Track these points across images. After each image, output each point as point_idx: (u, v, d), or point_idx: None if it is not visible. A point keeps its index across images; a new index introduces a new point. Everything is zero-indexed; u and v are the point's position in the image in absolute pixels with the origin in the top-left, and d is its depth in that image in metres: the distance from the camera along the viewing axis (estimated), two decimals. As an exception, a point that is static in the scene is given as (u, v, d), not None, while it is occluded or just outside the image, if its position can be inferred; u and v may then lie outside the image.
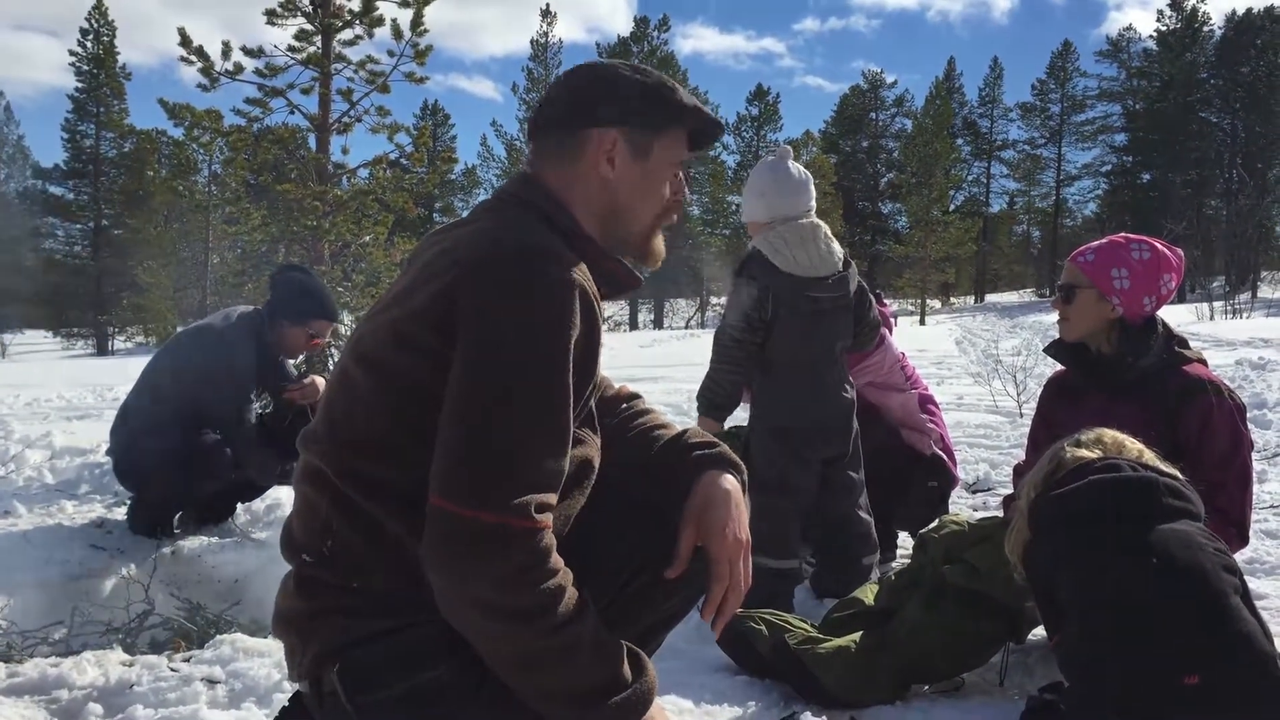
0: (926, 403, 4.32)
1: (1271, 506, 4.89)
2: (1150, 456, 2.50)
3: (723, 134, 2.19)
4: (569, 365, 1.69)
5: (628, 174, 1.93)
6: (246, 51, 8.35)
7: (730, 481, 1.97)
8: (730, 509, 1.92)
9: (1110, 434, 2.57)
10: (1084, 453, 2.49)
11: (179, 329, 5.22)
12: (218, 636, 3.29)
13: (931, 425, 4.25)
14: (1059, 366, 3.55)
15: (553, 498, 1.69)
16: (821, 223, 3.72)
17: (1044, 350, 3.48)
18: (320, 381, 5.15)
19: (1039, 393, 3.64)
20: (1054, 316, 3.42)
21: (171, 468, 4.62)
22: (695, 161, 62.07)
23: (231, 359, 4.82)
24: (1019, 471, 3.58)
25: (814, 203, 3.78)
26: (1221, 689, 2.06)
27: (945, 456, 4.24)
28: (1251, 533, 4.22)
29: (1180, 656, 2.08)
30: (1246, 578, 2.31)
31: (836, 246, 3.71)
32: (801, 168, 3.77)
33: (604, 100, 1.91)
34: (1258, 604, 2.28)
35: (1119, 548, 2.26)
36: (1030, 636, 2.97)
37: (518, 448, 1.63)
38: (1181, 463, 2.61)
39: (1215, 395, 3.03)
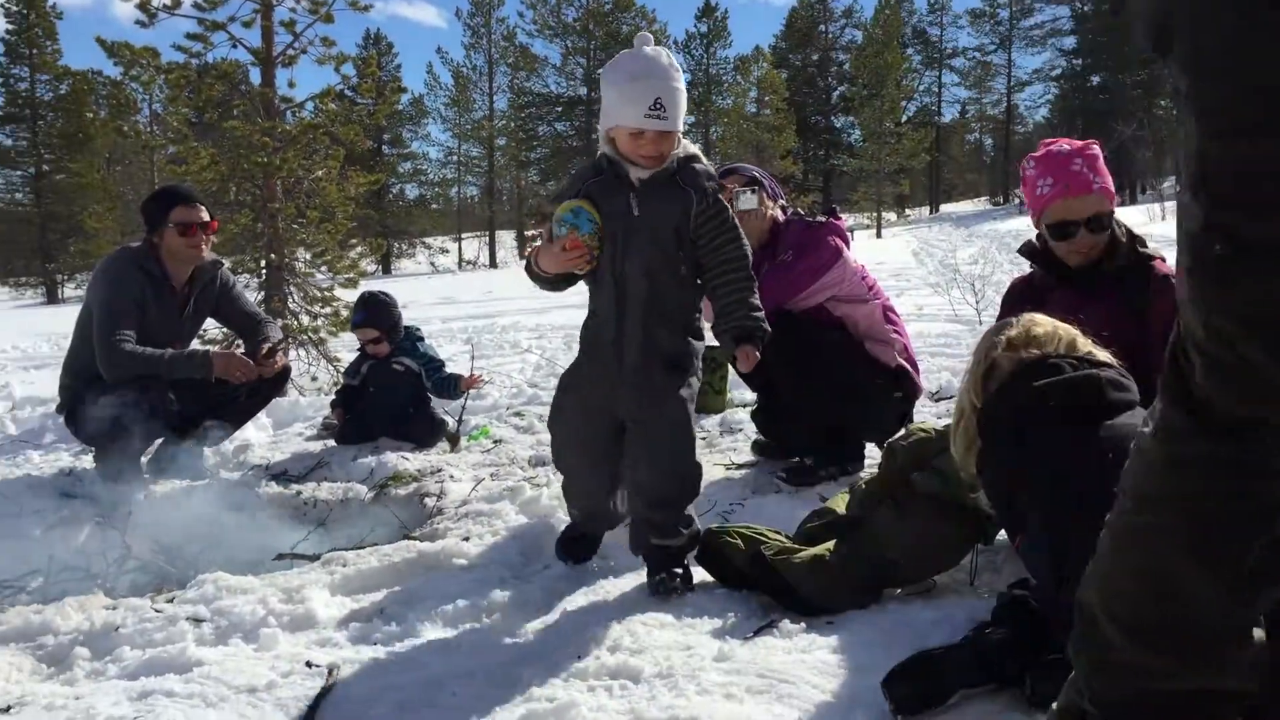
0: (889, 312, 4.37)
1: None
2: (1084, 343, 2.53)
3: None
4: None
5: None
6: (184, -15, 8.13)
7: None
8: None
9: (1040, 325, 2.58)
10: (1019, 354, 2.51)
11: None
12: (199, 576, 3.31)
13: (895, 335, 4.30)
14: (1017, 273, 3.61)
15: None
16: None
17: (1018, 251, 3.53)
18: (281, 358, 5.11)
19: (999, 301, 3.70)
20: (1009, 224, 3.47)
21: (116, 415, 4.58)
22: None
23: (103, 289, 4.78)
24: None
25: None
26: None
27: (909, 367, 4.30)
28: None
29: None
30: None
31: None
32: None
33: None
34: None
35: (1072, 449, 2.31)
36: (998, 538, 3.05)
37: None
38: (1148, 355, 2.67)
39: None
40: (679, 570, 2.99)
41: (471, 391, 5.56)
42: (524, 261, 3.21)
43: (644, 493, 3.07)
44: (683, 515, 3.08)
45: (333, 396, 5.90)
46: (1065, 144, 3.40)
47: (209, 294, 5.11)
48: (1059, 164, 3.33)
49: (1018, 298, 3.54)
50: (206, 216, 4.93)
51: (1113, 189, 3.37)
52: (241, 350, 5.29)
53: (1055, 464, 2.32)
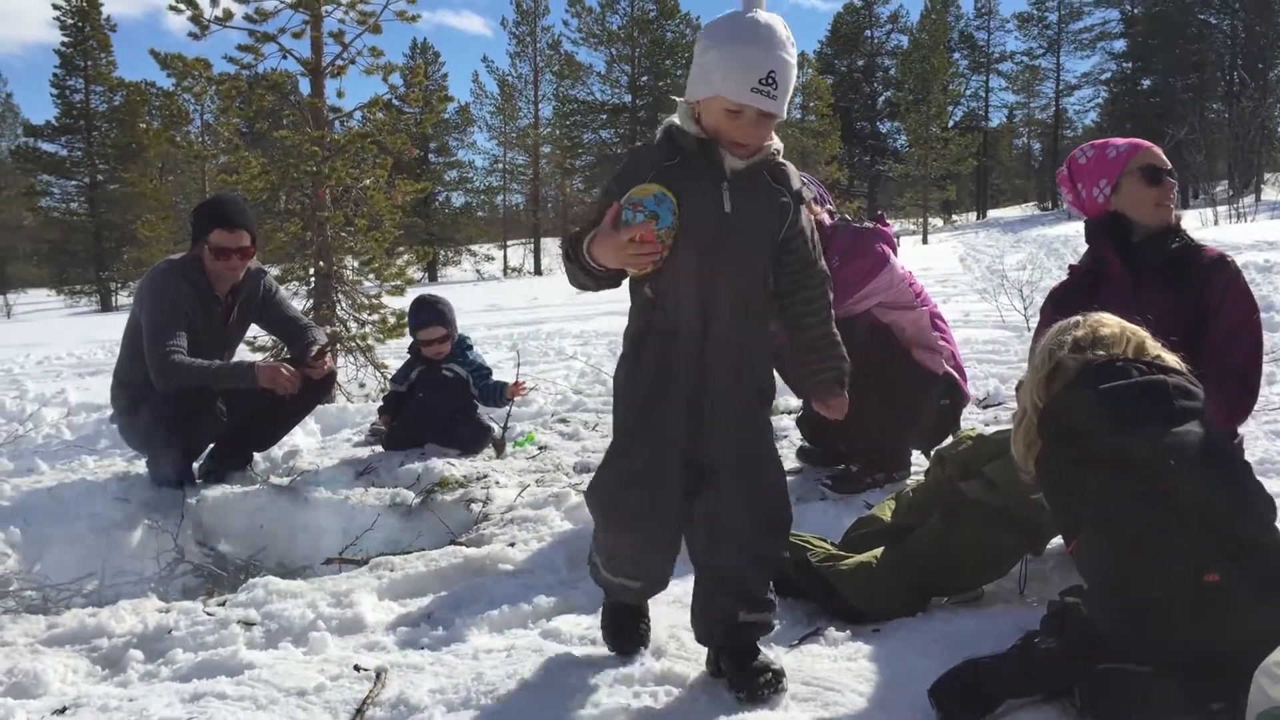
0: (937, 320, 4.34)
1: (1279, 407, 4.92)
2: (1152, 346, 2.46)
3: None
4: None
5: None
6: (235, -4, 8.25)
7: None
8: None
9: (1108, 325, 2.50)
10: (1086, 355, 2.45)
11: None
12: (249, 580, 3.35)
13: (943, 343, 4.27)
14: (1062, 277, 3.58)
15: None
16: None
17: (1086, 228, 3.48)
18: (327, 361, 5.12)
19: (1041, 315, 3.66)
20: (1057, 230, 3.44)
21: (169, 423, 4.66)
22: (690, 88, 61.46)
23: (151, 302, 4.81)
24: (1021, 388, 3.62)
25: None
26: (1241, 589, 2.09)
27: (956, 374, 4.27)
28: (1262, 433, 4.28)
29: (1201, 555, 2.11)
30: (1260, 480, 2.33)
31: None
32: None
33: None
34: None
35: (1136, 455, 2.27)
36: (1048, 547, 3.02)
37: None
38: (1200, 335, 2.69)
39: (1232, 269, 3.20)
40: (774, 667, 2.42)
41: (516, 399, 5.59)
42: (562, 248, 2.58)
43: (736, 550, 2.49)
44: (773, 578, 2.62)
45: (380, 403, 5.95)
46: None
47: (252, 302, 5.17)
48: (1120, 138, 3.46)
49: (1069, 292, 3.49)
50: (246, 241, 4.93)
51: None
52: (287, 355, 5.34)
53: (1116, 467, 2.29)
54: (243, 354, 5.23)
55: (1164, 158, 3.36)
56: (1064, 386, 2.45)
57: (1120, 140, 3.43)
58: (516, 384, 5.51)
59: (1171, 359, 2.44)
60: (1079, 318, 2.55)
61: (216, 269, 4.91)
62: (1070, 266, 3.58)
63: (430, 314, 5.44)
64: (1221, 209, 33.25)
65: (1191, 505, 2.16)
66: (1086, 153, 3.46)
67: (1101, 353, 2.43)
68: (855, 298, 4.11)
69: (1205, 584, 2.08)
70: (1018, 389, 3.01)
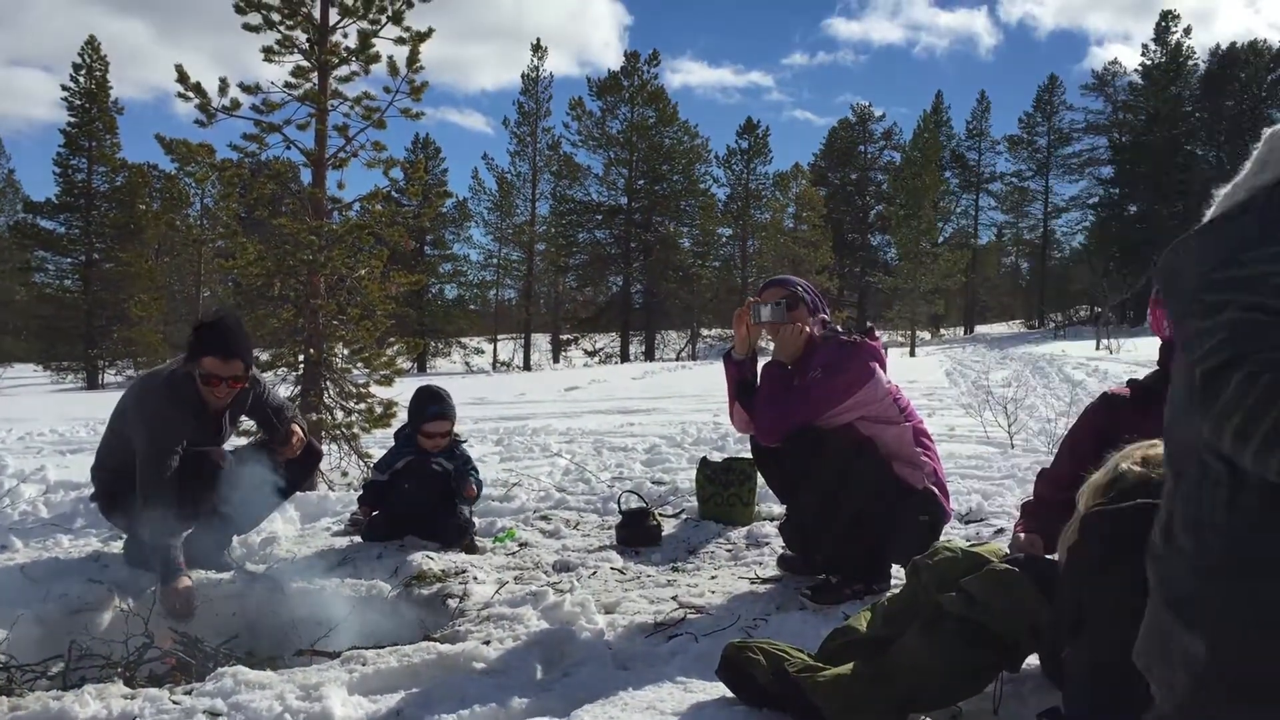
0: (921, 435, 4.36)
1: None
2: None
3: None
4: None
5: None
6: (243, 88, 8.39)
7: None
8: None
9: None
10: (1148, 472, 2.51)
11: (141, 374, 5.11)
12: (218, 669, 3.30)
13: (925, 459, 4.29)
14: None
15: None
16: None
17: (1160, 348, 3.55)
18: (299, 434, 5.07)
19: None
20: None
21: (151, 507, 4.60)
22: (686, 194, 62.45)
23: (150, 439, 4.72)
24: (1042, 476, 3.66)
25: None
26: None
27: (937, 490, 4.28)
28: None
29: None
30: None
31: None
32: None
33: None
34: None
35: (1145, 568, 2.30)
36: (1024, 666, 3.00)
37: None
38: None
39: None
40: None
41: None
42: None
43: None
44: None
45: (360, 492, 5.91)
46: None
47: (241, 405, 5.13)
48: None
49: (1117, 402, 3.58)
50: (239, 370, 4.86)
51: None
52: (263, 438, 5.31)
53: (1131, 578, 2.31)
54: (233, 444, 5.22)
55: None
56: (1115, 494, 2.50)
57: None
58: (468, 487, 5.46)
59: None
60: (1160, 441, 2.61)
61: (203, 393, 4.87)
62: (1130, 381, 3.65)
63: (440, 408, 5.45)
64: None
65: None
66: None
67: (1161, 472, 2.48)
68: (836, 410, 4.15)
69: None
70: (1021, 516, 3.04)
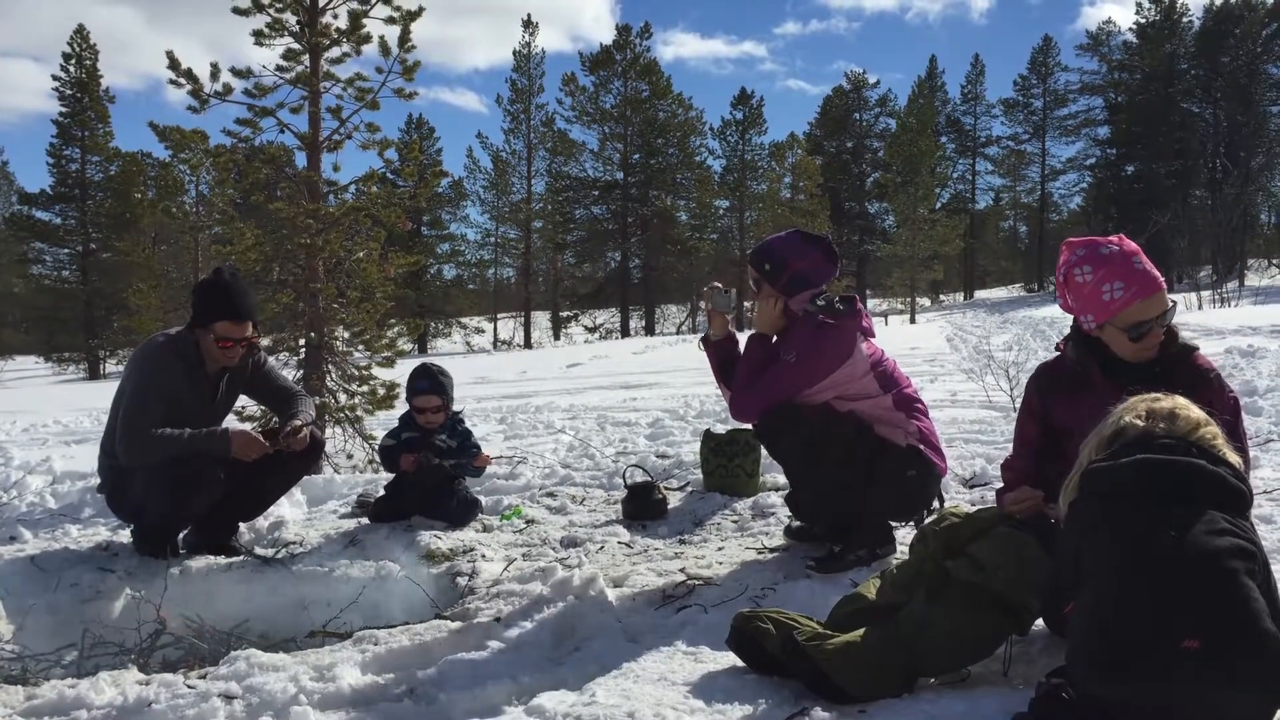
0: (913, 403, 4.35)
1: (1265, 492, 4.95)
2: (1221, 443, 2.51)
3: None
4: None
5: None
6: (235, 72, 8.34)
7: None
8: None
9: (1187, 412, 2.57)
10: (1150, 426, 2.53)
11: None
12: (231, 653, 3.32)
13: (910, 420, 4.26)
14: (1049, 356, 3.60)
15: None
16: None
17: (1061, 348, 3.50)
18: (305, 429, 5.08)
19: (1025, 392, 3.68)
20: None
21: (157, 494, 4.64)
22: (681, 167, 62.22)
23: (138, 375, 4.82)
24: (1006, 467, 3.63)
25: None
26: (1220, 657, 2.13)
27: (924, 447, 4.24)
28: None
29: (1183, 621, 2.15)
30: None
31: None
32: None
33: None
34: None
35: (1144, 523, 2.33)
36: (1033, 628, 3.02)
37: None
38: None
39: (1218, 386, 3.21)
40: None
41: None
42: None
43: None
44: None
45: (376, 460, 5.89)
46: (1108, 242, 3.34)
47: (240, 377, 5.15)
48: (1124, 266, 3.27)
49: (1048, 383, 3.53)
50: (251, 330, 4.94)
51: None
52: (276, 423, 5.33)
53: (1123, 530, 2.35)
54: (230, 424, 5.22)
55: (1161, 300, 3.25)
56: (1117, 448, 2.52)
57: (1121, 280, 3.25)
58: (482, 455, 5.51)
59: (1233, 457, 2.50)
60: (1163, 395, 2.64)
61: (215, 353, 4.90)
62: (1059, 346, 3.58)
63: (429, 383, 5.44)
64: (1205, 294, 33.62)
65: (1182, 573, 2.23)
66: (1085, 274, 3.33)
67: (1163, 426, 2.49)
68: (811, 391, 4.16)
69: (1184, 649, 2.13)
70: (1003, 474, 3.04)
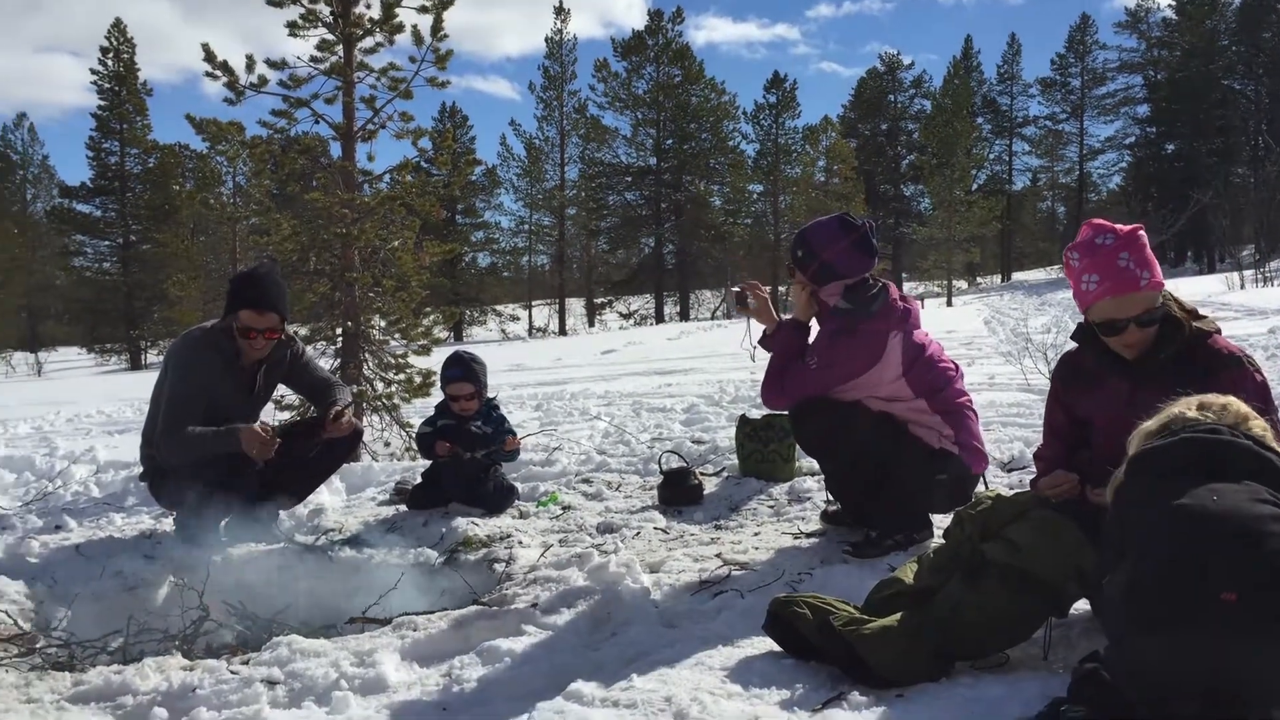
0: (955, 408, 4.27)
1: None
2: (1270, 439, 2.49)
3: None
4: None
5: None
6: (270, 64, 8.39)
7: None
8: None
9: (1238, 407, 2.57)
10: (1200, 416, 2.53)
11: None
12: (274, 639, 3.37)
13: (945, 424, 4.20)
14: (1070, 346, 3.54)
15: None
16: None
17: (1071, 338, 3.46)
18: (347, 414, 5.15)
19: (1051, 380, 3.63)
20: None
21: (198, 482, 4.72)
22: (715, 152, 61.97)
23: (175, 374, 4.90)
24: (1038, 456, 3.59)
25: None
26: (1258, 610, 2.11)
27: (958, 450, 4.20)
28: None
29: (1220, 576, 2.13)
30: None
31: None
32: None
33: None
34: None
35: (1188, 492, 2.32)
36: (1072, 611, 3.00)
37: None
38: None
39: (1239, 367, 3.11)
40: None
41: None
42: None
43: None
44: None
45: (414, 448, 5.91)
46: (1111, 232, 3.21)
47: (279, 369, 5.23)
48: (1106, 260, 3.17)
49: (1070, 372, 3.48)
50: (274, 322, 4.97)
51: (1161, 279, 3.20)
52: (314, 414, 5.40)
53: (1166, 502, 2.34)
54: (268, 413, 5.29)
55: (1134, 303, 3.14)
56: (1168, 436, 2.52)
57: (1098, 274, 3.17)
58: (512, 438, 5.54)
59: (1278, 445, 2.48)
60: (1217, 395, 2.62)
61: (240, 345, 4.99)
62: (1075, 337, 3.46)
63: (462, 370, 5.47)
64: (1248, 273, 33.09)
65: (1221, 532, 2.22)
66: (1074, 260, 3.26)
67: (1212, 416, 2.52)
68: (838, 391, 4.17)
69: (1222, 601, 2.12)
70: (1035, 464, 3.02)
